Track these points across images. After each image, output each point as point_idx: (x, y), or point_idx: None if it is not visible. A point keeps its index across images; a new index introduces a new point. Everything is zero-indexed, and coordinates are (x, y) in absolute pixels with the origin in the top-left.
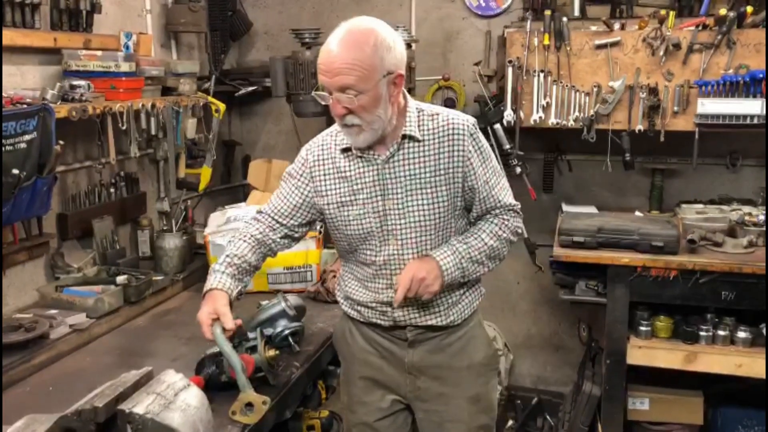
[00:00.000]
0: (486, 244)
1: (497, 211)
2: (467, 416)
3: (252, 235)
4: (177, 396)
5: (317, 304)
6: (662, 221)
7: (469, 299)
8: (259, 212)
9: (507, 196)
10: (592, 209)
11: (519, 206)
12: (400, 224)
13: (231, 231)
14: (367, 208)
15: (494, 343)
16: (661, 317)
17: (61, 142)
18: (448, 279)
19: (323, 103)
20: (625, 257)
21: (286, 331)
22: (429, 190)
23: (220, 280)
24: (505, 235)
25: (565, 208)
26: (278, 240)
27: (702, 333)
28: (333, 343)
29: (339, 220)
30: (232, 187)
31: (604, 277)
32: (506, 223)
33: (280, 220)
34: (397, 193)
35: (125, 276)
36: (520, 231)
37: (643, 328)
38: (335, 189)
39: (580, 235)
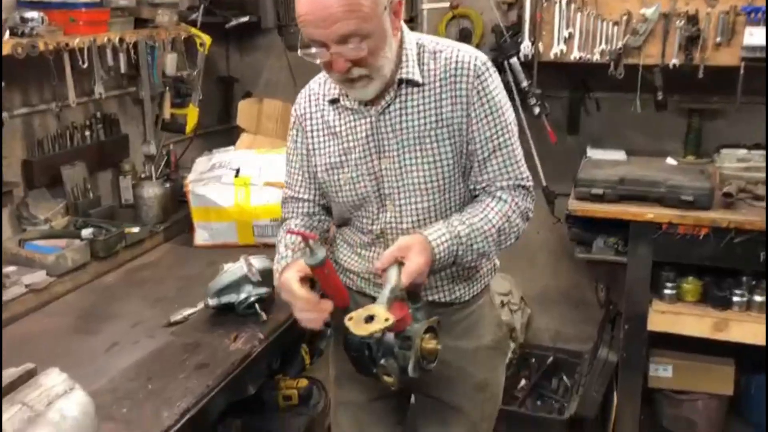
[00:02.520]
0: (494, 226)
1: (503, 184)
2: (471, 404)
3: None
4: (51, 405)
5: None
6: (694, 171)
7: (480, 274)
8: (285, 202)
9: (518, 167)
10: (621, 154)
11: (532, 183)
12: (398, 187)
13: (214, 179)
14: (360, 169)
15: (503, 326)
16: (689, 279)
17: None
18: (437, 267)
19: (318, 61)
20: (650, 213)
21: (252, 298)
22: (430, 147)
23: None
24: (516, 219)
25: (590, 152)
26: (324, 218)
27: (735, 298)
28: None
29: (329, 186)
30: (227, 129)
31: (625, 234)
32: (517, 203)
33: (308, 197)
34: (393, 151)
35: (91, 229)
36: (530, 215)
37: (667, 291)
38: (325, 148)
39: (600, 187)
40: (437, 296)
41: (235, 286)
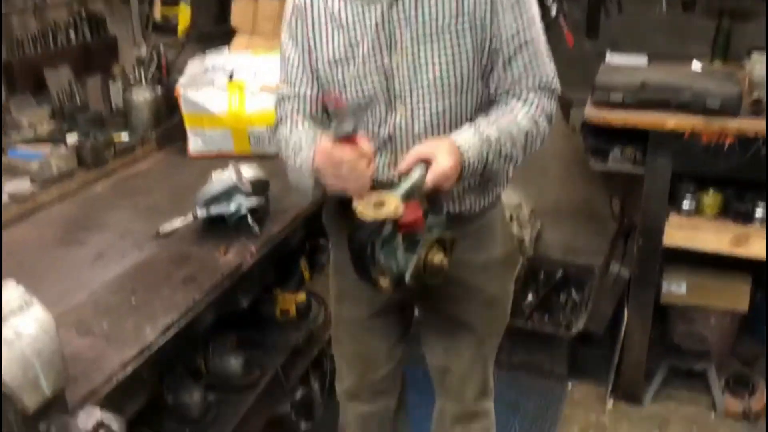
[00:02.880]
0: (522, 130)
1: (529, 85)
2: (479, 320)
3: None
4: (5, 321)
5: None
6: (722, 76)
7: (492, 183)
8: (281, 102)
9: (544, 66)
10: (642, 59)
11: (558, 86)
12: (410, 86)
13: (207, 84)
14: (368, 65)
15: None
16: (710, 191)
17: None
18: (467, 174)
19: None
20: (672, 120)
21: (243, 210)
22: (449, 41)
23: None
24: (543, 122)
25: (609, 57)
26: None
27: (758, 212)
28: (324, 223)
29: (332, 84)
30: (224, 31)
31: (644, 144)
32: (543, 105)
33: (311, 94)
34: (407, 45)
35: (76, 135)
36: (553, 118)
37: (686, 205)
38: (328, 41)
39: (619, 92)
40: (446, 207)
41: (224, 196)
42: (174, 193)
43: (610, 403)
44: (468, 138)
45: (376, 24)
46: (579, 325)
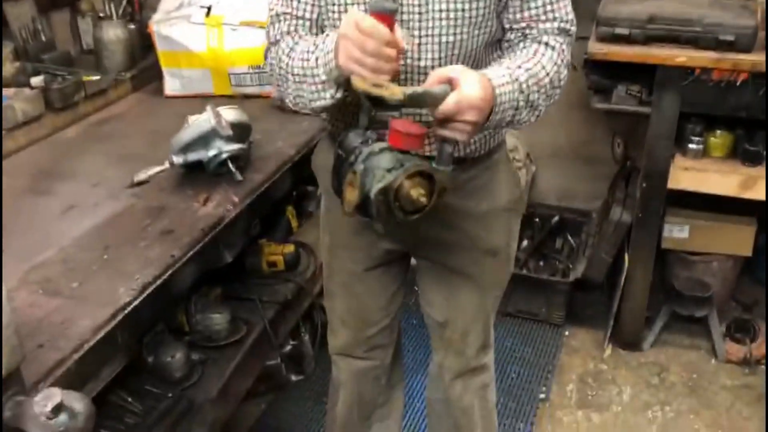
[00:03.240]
0: (548, 75)
1: (547, 26)
2: (482, 271)
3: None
4: None
5: (282, 115)
6: (735, 7)
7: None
8: (276, 19)
9: (565, 5)
10: None
11: (575, 27)
12: (419, 14)
13: (183, 19)
14: None
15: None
16: (718, 132)
17: None
18: (495, 121)
19: None
20: (682, 55)
21: (224, 155)
22: None
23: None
24: (564, 69)
25: None
26: None
27: None
28: (313, 170)
29: (330, 10)
30: None
31: (651, 81)
32: (564, 50)
33: (310, 16)
34: None
35: (42, 76)
36: (570, 65)
37: (693, 146)
38: None
39: (625, 26)
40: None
41: (202, 141)
42: (150, 138)
43: (608, 349)
44: (500, 76)
45: None
46: (577, 272)
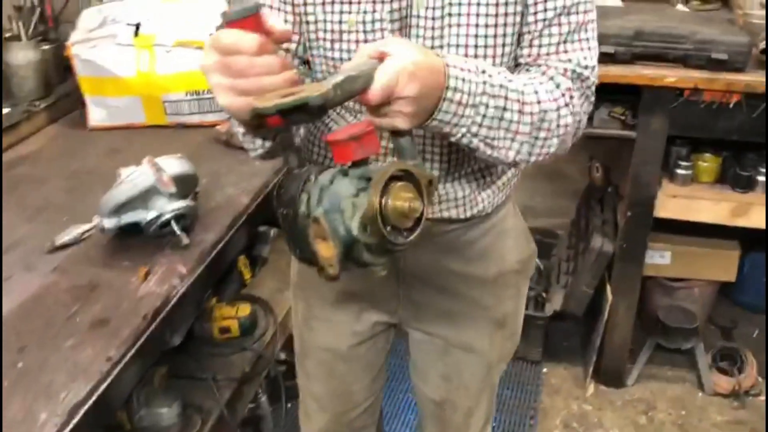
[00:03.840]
0: (539, 106)
1: (559, 66)
2: (489, 344)
3: None
4: None
5: (229, 152)
6: (721, 21)
7: (507, 176)
8: None
9: (587, 46)
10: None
11: (595, 79)
12: (432, 44)
13: (107, 39)
14: (379, 10)
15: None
16: (707, 156)
17: None
18: (449, 116)
19: None
20: (672, 76)
21: (166, 215)
22: None
23: None
24: (566, 116)
25: None
26: (301, 74)
27: (760, 178)
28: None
29: (323, 31)
30: None
31: (636, 103)
32: (573, 96)
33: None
34: None
35: None
36: (581, 126)
37: (681, 171)
38: None
39: (610, 44)
40: (451, 213)
41: (140, 199)
42: (72, 183)
43: (591, 387)
44: (461, 61)
45: None
46: (554, 305)
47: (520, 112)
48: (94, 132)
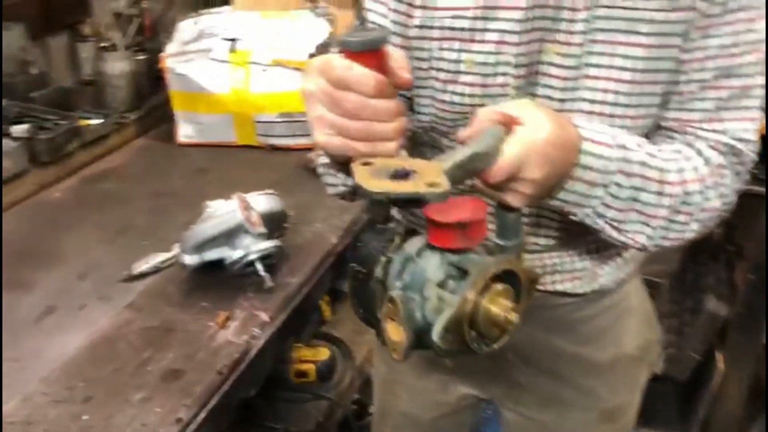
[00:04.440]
0: (684, 183)
1: (713, 137)
2: None
3: None
4: None
5: (318, 182)
6: None
7: (635, 251)
8: None
9: (748, 116)
10: None
11: (753, 155)
12: (561, 99)
13: (202, 54)
14: (503, 48)
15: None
16: None
17: None
18: (572, 196)
19: None
20: None
21: (251, 256)
22: (645, 39)
23: None
24: (713, 199)
25: None
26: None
27: None
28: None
29: (435, 70)
30: None
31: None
32: (724, 175)
33: None
34: (575, 32)
35: (27, 126)
36: (731, 203)
37: None
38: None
39: None
40: (567, 285)
41: (225, 236)
42: (156, 203)
43: None
44: (598, 131)
45: None
46: (656, 367)
47: (659, 193)
48: (182, 148)
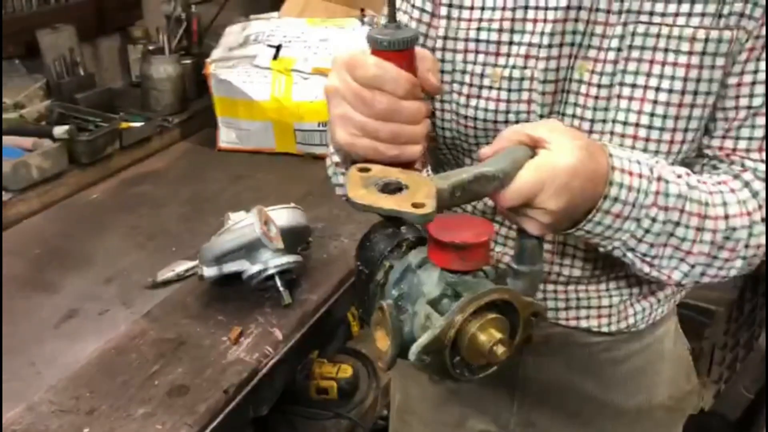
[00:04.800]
0: (728, 219)
1: (758, 168)
2: None
3: None
4: None
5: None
6: None
7: (672, 288)
8: None
9: None
10: None
11: None
12: (591, 120)
13: (246, 60)
14: (530, 63)
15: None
16: None
17: None
18: (595, 228)
19: None
20: None
21: (270, 270)
22: (688, 56)
23: None
24: (758, 233)
25: None
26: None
27: None
28: (354, 262)
29: (458, 84)
30: None
31: None
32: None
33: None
34: (607, 49)
35: (66, 127)
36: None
37: None
38: (472, 7)
39: None
40: (593, 323)
41: (245, 249)
42: (189, 208)
43: None
44: (631, 160)
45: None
46: (703, 401)
47: (699, 229)
48: (222, 153)
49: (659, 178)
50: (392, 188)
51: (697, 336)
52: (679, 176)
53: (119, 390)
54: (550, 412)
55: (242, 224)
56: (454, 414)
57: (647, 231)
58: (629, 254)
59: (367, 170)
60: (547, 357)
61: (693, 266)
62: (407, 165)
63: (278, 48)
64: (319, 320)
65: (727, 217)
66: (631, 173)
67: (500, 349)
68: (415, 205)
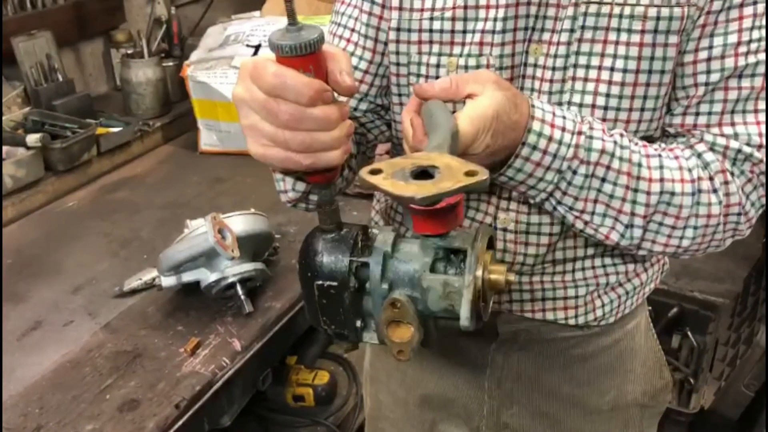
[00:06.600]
0: (672, 183)
1: (721, 142)
2: None
3: None
4: None
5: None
6: None
7: (641, 279)
8: None
9: (761, 119)
10: None
11: (763, 156)
12: (553, 97)
13: (223, 62)
14: (488, 53)
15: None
16: None
17: None
18: (518, 170)
19: None
20: None
21: (229, 279)
22: (639, 37)
23: None
24: (715, 212)
25: None
26: (370, 128)
27: None
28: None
29: (414, 76)
30: None
31: None
32: (728, 183)
33: (366, 84)
34: (561, 31)
35: (39, 135)
36: (740, 229)
37: None
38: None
39: None
40: (560, 314)
41: (203, 257)
42: (166, 214)
43: None
44: (554, 110)
45: None
46: (703, 400)
47: (629, 188)
48: (203, 156)
49: (581, 133)
50: (423, 173)
51: (702, 331)
52: (611, 135)
53: (69, 405)
54: (521, 412)
55: (196, 233)
56: (425, 419)
57: (569, 183)
58: (559, 208)
59: (377, 171)
60: (515, 354)
61: (629, 227)
62: (327, 171)
63: (257, 48)
64: (285, 328)
65: (662, 180)
66: (553, 125)
67: (511, 276)
68: (468, 174)
